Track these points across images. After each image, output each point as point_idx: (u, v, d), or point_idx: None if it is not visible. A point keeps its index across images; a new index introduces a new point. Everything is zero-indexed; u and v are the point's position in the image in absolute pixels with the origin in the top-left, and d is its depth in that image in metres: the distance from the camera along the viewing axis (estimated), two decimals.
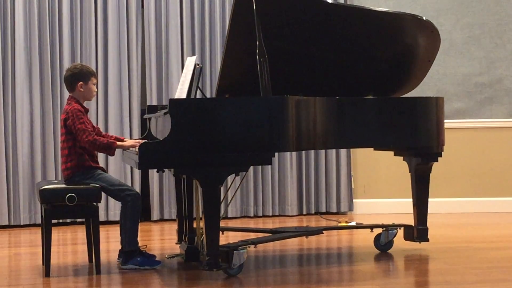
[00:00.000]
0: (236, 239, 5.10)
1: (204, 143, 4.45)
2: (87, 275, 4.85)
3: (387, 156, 5.80)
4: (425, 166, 5.29)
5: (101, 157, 6.68)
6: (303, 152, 7.44)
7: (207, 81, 7.31)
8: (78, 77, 5.03)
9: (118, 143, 4.93)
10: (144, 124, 6.85)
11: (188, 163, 4.45)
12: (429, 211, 5.36)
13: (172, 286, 4.58)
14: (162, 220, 7.29)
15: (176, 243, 5.50)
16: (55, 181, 5.21)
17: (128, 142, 5.01)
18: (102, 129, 7.10)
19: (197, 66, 4.92)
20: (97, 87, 5.16)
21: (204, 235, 4.55)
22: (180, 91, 4.94)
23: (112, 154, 4.99)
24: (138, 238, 4.98)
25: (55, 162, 7.01)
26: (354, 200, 7.59)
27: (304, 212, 7.49)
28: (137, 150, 4.51)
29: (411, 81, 5.51)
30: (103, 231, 5.42)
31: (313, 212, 7.51)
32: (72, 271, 5.00)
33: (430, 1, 7.60)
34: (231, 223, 6.99)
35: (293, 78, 5.30)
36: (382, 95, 5.37)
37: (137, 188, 7.08)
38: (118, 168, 7.12)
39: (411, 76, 5.48)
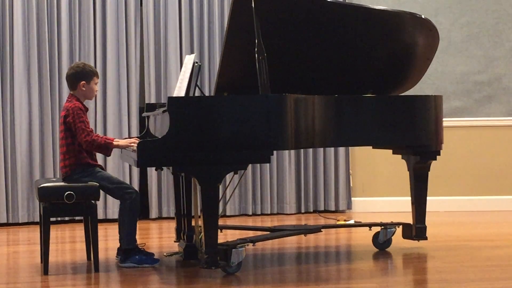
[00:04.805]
0: (235, 237, 5.09)
1: (203, 141, 4.45)
2: (86, 273, 4.84)
3: (386, 154, 5.80)
4: (424, 165, 5.29)
5: (99, 154, 6.67)
6: (302, 150, 7.43)
7: (205, 79, 7.31)
8: (80, 76, 5.02)
9: (115, 142, 4.92)
10: (142, 122, 6.85)
11: (186, 161, 4.45)
12: (427, 209, 5.36)
13: (171, 284, 4.58)
14: (160, 218, 7.28)
15: (175, 241, 5.49)
16: (54, 179, 5.20)
17: (123, 141, 4.98)
18: (100, 127, 7.11)
19: (196, 64, 4.92)
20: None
21: (202, 233, 4.55)
22: (179, 89, 4.94)
23: (109, 155, 4.99)
24: (137, 236, 4.98)
25: (53, 160, 7.01)
26: (352, 198, 7.58)
27: (303, 210, 7.48)
28: (135, 148, 4.51)
29: (409, 80, 5.50)
30: (101, 229, 5.42)
31: (312, 210, 7.50)
32: (70, 269, 4.99)
33: (429, 0, 7.60)
34: (230, 221, 6.98)
35: (292, 76, 5.29)
36: (381, 94, 5.37)
37: (136, 186, 7.07)
38: (117, 166, 7.11)
39: (410, 75, 5.48)
